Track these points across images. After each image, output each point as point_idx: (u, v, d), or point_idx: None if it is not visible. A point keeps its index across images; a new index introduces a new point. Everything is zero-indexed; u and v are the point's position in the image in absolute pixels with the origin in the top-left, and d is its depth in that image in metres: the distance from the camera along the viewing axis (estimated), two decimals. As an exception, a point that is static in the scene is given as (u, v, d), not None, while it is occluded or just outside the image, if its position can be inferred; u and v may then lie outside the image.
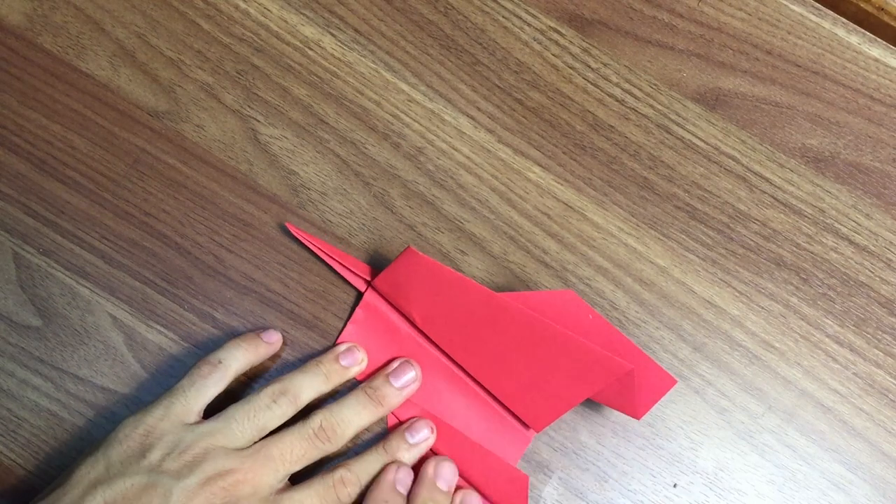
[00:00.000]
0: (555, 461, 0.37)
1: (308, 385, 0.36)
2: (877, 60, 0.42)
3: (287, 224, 0.39)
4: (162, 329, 0.38)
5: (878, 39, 0.42)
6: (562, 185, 0.40)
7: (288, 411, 0.35)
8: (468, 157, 0.41)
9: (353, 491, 0.34)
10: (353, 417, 0.36)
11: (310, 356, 0.38)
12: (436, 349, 0.38)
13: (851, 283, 0.40)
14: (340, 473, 0.34)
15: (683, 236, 0.40)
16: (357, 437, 0.37)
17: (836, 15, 0.42)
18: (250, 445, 0.34)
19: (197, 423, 0.34)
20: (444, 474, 0.36)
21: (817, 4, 0.42)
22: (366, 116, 0.41)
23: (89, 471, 0.32)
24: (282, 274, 0.39)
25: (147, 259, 0.39)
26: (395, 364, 0.37)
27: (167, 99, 0.41)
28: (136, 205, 0.39)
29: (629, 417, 0.38)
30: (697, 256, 0.40)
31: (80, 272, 0.39)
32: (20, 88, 0.40)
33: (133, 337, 0.38)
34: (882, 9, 0.43)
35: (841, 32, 0.42)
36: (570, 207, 0.40)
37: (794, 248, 0.40)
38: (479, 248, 0.40)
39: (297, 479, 0.35)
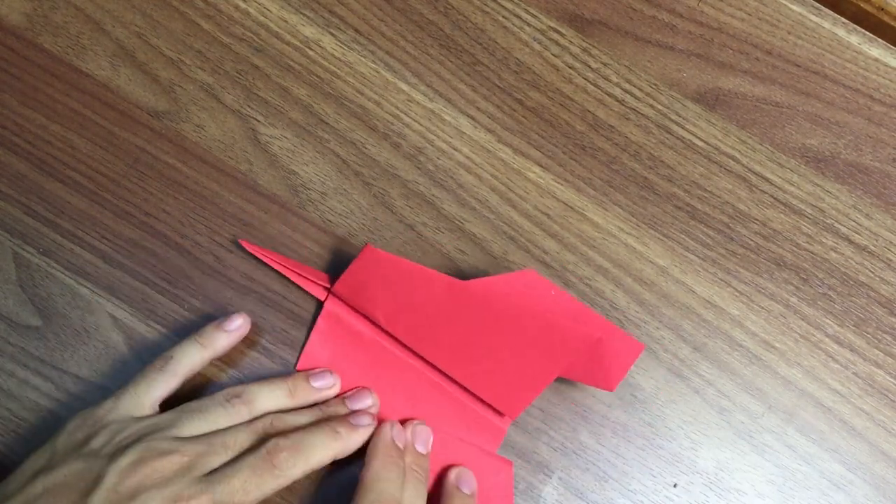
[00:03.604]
0: (555, 461, 0.37)
1: (267, 394, 0.35)
2: (877, 60, 0.42)
3: (241, 241, 0.39)
4: (162, 329, 0.38)
5: (878, 39, 0.42)
6: (562, 185, 0.40)
7: (241, 412, 0.34)
8: (468, 157, 0.41)
9: (292, 456, 0.33)
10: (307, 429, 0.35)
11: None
12: (403, 351, 0.38)
13: (851, 283, 0.40)
14: (274, 440, 0.33)
15: (683, 236, 0.40)
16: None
17: (836, 15, 0.42)
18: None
19: (147, 415, 0.34)
20: (421, 437, 0.36)
21: (817, 4, 0.42)
22: (366, 116, 0.41)
23: (35, 462, 0.33)
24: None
25: (147, 259, 0.39)
26: (350, 393, 0.37)
27: (167, 99, 0.41)
28: (136, 205, 0.39)
29: (628, 417, 0.38)
30: (697, 256, 0.40)
31: (80, 272, 0.39)
32: (20, 88, 0.40)
33: (133, 337, 0.38)
34: (882, 9, 0.43)
35: (841, 32, 0.42)
36: (570, 207, 0.40)
37: (794, 248, 0.40)
38: (479, 248, 0.40)
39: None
